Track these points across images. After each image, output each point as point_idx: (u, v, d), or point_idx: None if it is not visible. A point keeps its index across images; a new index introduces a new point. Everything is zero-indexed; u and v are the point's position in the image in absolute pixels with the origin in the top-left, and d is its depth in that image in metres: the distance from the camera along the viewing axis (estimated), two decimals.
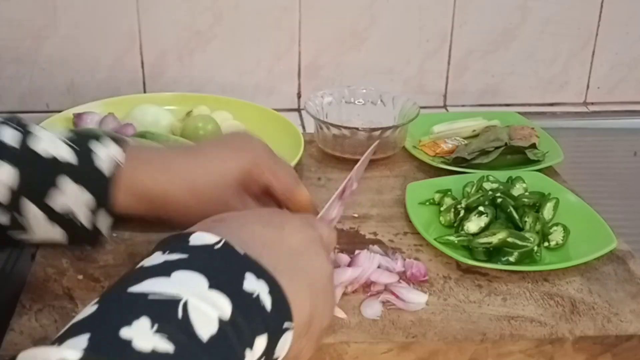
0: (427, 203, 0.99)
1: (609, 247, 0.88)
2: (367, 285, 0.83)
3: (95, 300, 0.49)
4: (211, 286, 0.50)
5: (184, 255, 0.52)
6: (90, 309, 0.49)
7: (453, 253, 0.88)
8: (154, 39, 1.31)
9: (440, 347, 0.76)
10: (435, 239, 0.90)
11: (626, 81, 1.44)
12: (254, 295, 0.52)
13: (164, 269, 0.51)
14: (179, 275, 0.50)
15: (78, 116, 1.13)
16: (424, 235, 0.91)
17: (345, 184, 0.80)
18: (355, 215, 0.98)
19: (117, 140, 0.74)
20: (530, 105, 1.42)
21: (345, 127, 1.11)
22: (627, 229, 0.97)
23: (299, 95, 1.39)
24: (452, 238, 0.90)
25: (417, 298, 0.81)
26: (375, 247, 0.89)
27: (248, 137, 0.81)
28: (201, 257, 0.53)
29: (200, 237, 0.54)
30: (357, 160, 1.10)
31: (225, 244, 0.54)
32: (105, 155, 0.72)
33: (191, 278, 0.50)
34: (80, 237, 0.74)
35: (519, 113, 1.26)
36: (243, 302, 0.50)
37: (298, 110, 1.39)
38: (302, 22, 1.33)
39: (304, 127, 1.31)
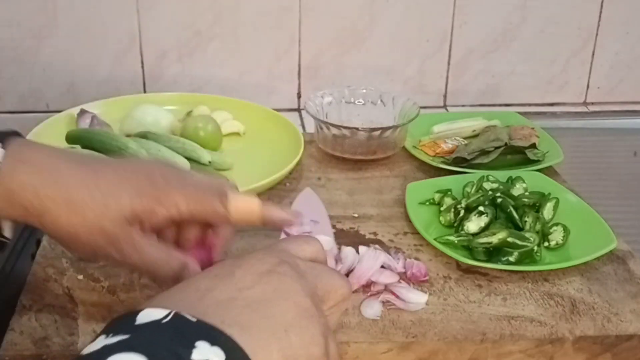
0: (427, 203, 0.99)
1: (609, 247, 0.88)
2: (367, 285, 0.83)
3: None
4: None
5: (124, 337, 0.46)
6: None
7: (453, 253, 0.88)
8: (154, 39, 1.31)
9: (440, 347, 0.76)
10: (435, 239, 0.90)
11: (626, 81, 1.44)
12: None
13: (100, 356, 0.45)
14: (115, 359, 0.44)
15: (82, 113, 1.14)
16: (424, 235, 0.91)
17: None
18: (355, 215, 0.98)
19: (2, 140, 0.66)
20: (530, 105, 1.42)
21: (345, 127, 1.11)
22: (627, 228, 0.97)
23: (299, 95, 1.39)
24: (452, 238, 0.90)
25: (417, 298, 0.81)
26: (377, 246, 0.89)
27: (148, 167, 0.71)
28: (144, 336, 0.47)
29: (148, 314, 0.48)
30: (358, 161, 1.11)
31: (175, 315, 0.48)
32: None
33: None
34: None
35: (519, 113, 1.26)
36: None
37: (298, 110, 1.39)
38: (302, 22, 1.33)
39: (304, 127, 1.31)
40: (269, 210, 0.71)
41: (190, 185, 0.69)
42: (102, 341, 0.47)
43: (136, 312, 0.48)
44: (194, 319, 0.48)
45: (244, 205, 0.70)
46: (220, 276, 0.54)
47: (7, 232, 0.69)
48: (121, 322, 0.48)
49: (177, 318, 0.48)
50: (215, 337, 0.48)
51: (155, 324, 0.47)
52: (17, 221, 0.68)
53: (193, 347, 0.46)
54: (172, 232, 0.72)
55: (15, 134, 0.71)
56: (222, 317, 0.49)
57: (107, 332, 0.48)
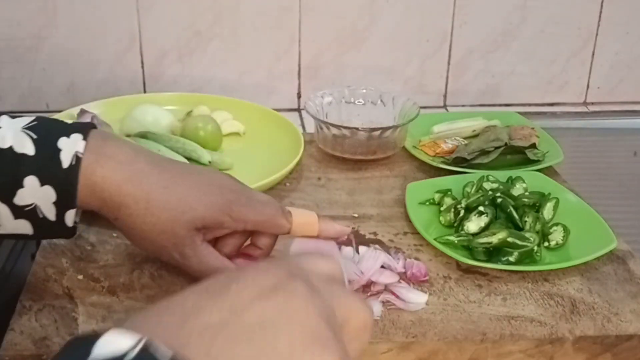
0: (427, 203, 0.99)
1: (609, 247, 0.88)
2: (367, 285, 0.82)
3: None
4: None
5: None
6: None
7: (453, 253, 0.88)
8: (154, 39, 1.31)
9: (440, 347, 0.76)
10: (435, 239, 0.90)
11: (626, 81, 1.44)
12: None
13: None
14: None
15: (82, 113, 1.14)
16: (424, 235, 0.91)
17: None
18: (355, 215, 0.98)
19: (82, 129, 0.72)
20: (530, 105, 1.42)
21: (345, 127, 1.11)
22: (627, 228, 0.97)
23: (299, 95, 1.39)
24: (452, 238, 0.90)
25: (417, 298, 0.81)
26: (376, 246, 0.89)
27: (226, 182, 0.76)
28: None
29: (108, 342, 0.37)
30: (358, 161, 1.11)
31: (143, 348, 0.37)
32: (69, 148, 0.70)
33: None
34: (48, 231, 0.73)
35: (519, 113, 1.26)
36: None
37: (298, 110, 1.39)
38: (302, 22, 1.33)
39: (304, 127, 1.31)
40: (325, 223, 0.77)
41: (256, 201, 0.75)
42: None
43: (95, 337, 0.38)
44: (167, 354, 0.38)
45: (304, 220, 0.76)
46: (211, 292, 0.44)
47: (70, 223, 0.72)
48: (75, 350, 0.38)
49: (145, 354, 0.37)
50: None
51: None
52: (91, 211, 0.73)
53: None
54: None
55: (92, 126, 0.74)
56: (208, 349, 0.40)
57: (61, 356, 0.38)
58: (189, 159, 1.03)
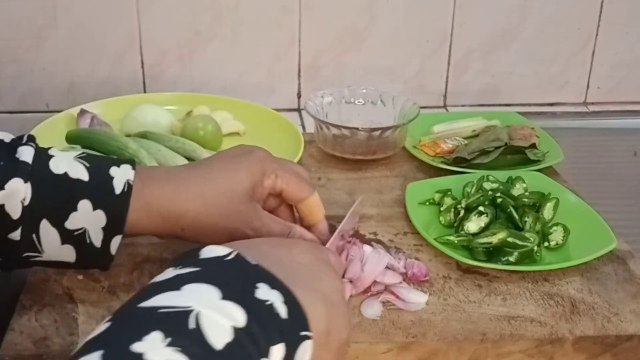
0: (427, 203, 0.99)
1: (609, 247, 0.88)
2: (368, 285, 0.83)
3: (108, 318, 0.49)
4: (224, 297, 0.49)
5: (195, 269, 0.52)
6: (102, 326, 0.48)
7: (453, 253, 0.88)
8: (154, 39, 1.31)
9: (440, 347, 0.76)
10: (435, 239, 0.90)
11: (626, 81, 1.44)
12: (268, 303, 0.51)
13: (175, 283, 0.51)
14: (190, 288, 0.50)
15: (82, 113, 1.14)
16: (424, 235, 0.91)
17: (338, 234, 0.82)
18: None
19: (129, 162, 0.75)
20: (530, 105, 1.43)
21: (345, 127, 1.11)
22: (627, 229, 0.97)
23: (299, 95, 1.39)
24: (452, 238, 0.90)
25: (417, 298, 0.81)
26: (378, 245, 0.89)
27: (250, 148, 0.82)
28: (212, 269, 0.53)
29: (211, 250, 0.55)
30: (358, 161, 1.11)
31: (237, 255, 0.54)
32: (121, 176, 0.73)
33: (202, 290, 0.50)
34: (89, 258, 0.74)
35: (519, 113, 1.26)
36: (257, 311, 0.50)
37: (298, 110, 1.39)
38: (302, 22, 1.33)
39: (304, 127, 1.31)
40: (323, 220, 0.83)
41: (283, 164, 0.81)
42: (173, 271, 0.53)
43: (198, 249, 0.55)
44: (253, 262, 0.54)
45: (318, 203, 0.82)
46: (279, 246, 0.63)
47: (113, 249, 0.74)
48: (187, 257, 0.55)
49: (239, 258, 0.54)
50: (274, 282, 0.53)
51: (220, 260, 0.54)
52: (153, 233, 0.77)
53: (255, 287, 0.52)
54: None
55: (134, 160, 0.78)
56: (280, 273, 0.55)
57: (175, 264, 0.54)
58: (189, 158, 1.03)
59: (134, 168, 0.74)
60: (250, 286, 0.52)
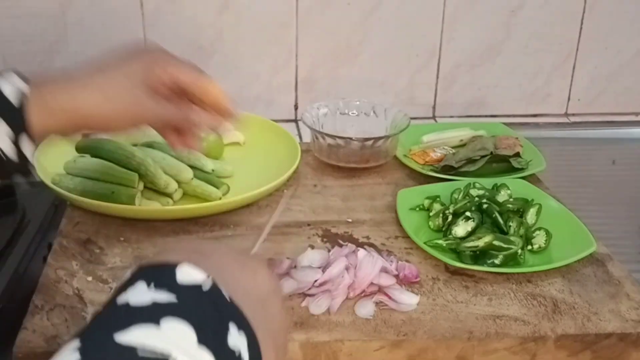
0: (417, 209, 0.99)
1: (588, 250, 0.89)
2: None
3: (76, 344, 0.43)
4: (199, 341, 0.45)
5: (171, 297, 0.47)
6: (70, 356, 0.42)
7: (441, 256, 0.88)
8: None
9: (430, 345, 0.76)
10: (424, 243, 0.90)
11: (605, 93, 1.44)
12: (237, 353, 0.47)
13: (152, 315, 0.45)
14: (168, 326, 0.45)
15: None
16: (414, 239, 0.92)
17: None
18: (349, 220, 0.98)
19: (19, 74, 0.74)
20: (514, 116, 1.43)
21: (340, 137, 1.11)
22: (605, 233, 0.97)
23: (296, 107, 1.39)
24: (440, 242, 0.90)
25: (408, 300, 0.81)
26: (371, 249, 0.89)
27: (144, 45, 0.83)
28: (189, 302, 0.47)
29: (188, 274, 0.49)
30: (352, 169, 1.11)
31: (214, 286, 0.49)
32: (12, 86, 0.71)
33: (180, 331, 0.45)
34: (8, 169, 0.73)
35: (504, 124, 1.27)
36: (226, 358, 0.46)
37: (295, 121, 1.39)
38: (299, 38, 1.33)
39: (300, 137, 1.31)
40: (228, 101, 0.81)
41: (176, 58, 0.79)
42: (147, 293, 0.47)
43: (173, 266, 0.49)
44: (227, 296, 0.49)
45: (217, 87, 0.80)
46: (246, 268, 0.57)
47: (30, 157, 0.73)
48: (161, 272, 0.49)
49: (215, 290, 0.49)
50: (242, 323, 0.49)
51: (197, 290, 0.48)
52: (62, 133, 0.76)
53: (227, 329, 0.47)
54: None
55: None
56: (248, 310, 0.50)
57: (146, 279, 0.48)
58: (192, 167, 1.03)
59: (23, 79, 0.73)
60: (223, 328, 0.47)
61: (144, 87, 0.76)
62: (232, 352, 0.46)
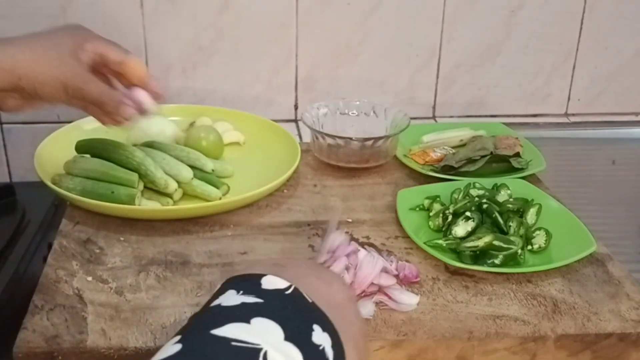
0: (417, 209, 0.99)
1: (588, 250, 0.89)
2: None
3: (178, 339, 0.49)
4: (286, 337, 0.50)
5: (258, 299, 0.53)
6: (173, 347, 0.48)
7: (441, 256, 0.88)
8: (159, 53, 1.31)
9: (430, 345, 0.76)
10: (424, 243, 0.90)
11: (605, 94, 1.44)
12: (321, 348, 0.52)
13: (243, 314, 0.51)
14: (258, 323, 0.50)
15: None
16: (414, 239, 0.92)
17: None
18: (349, 220, 0.98)
19: None
20: (514, 116, 1.43)
21: (340, 137, 1.11)
22: (605, 233, 0.97)
23: (296, 107, 1.39)
24: (440, 242, 0.90)
25: (408, 300, 0.81)
26: (371, 248, 0.89)
27: (78, 25, 0.87)
28: (275, 304, 0.53)
29: (271, 281, 0.55)
30: (352, 169, 1.11)
31: (296, 290, 0.55)
32: None
33: (269, 327, 0.50)
34: None
35: (504, 124, 1.27)
36: (312, 355, 0.51)
37: (295, 121, 1.39)
38: (299, 38, 1.33)
39: (300, 137, 1.31)
40: (150, 77, 0.88)
41: (103, 38, 0.86)
42: (237, 297, 0.53)
43: (258, 276, 0.56)
44: (309, 300, 0.54)
45: (139, 62, 0.86)
46: (321, 280, 0.61)
47: None
48: (247, 282, 0.55)
49: (297, 293, 0.54)
50: (326, 324, 0.53)
51: (281, 293, 0.54)
52: (13, 93, 0.81)
53: (312, 329, 0.52)
54: None
55: None
56: (329, 314, 0.55)
57: (235, 288, 0.54)
58: (192, 167, 1.03)
59: None
60: (307, 328, 0.52)
61: (76, 58, 0.80)
62: (317, 346, 0.51)
